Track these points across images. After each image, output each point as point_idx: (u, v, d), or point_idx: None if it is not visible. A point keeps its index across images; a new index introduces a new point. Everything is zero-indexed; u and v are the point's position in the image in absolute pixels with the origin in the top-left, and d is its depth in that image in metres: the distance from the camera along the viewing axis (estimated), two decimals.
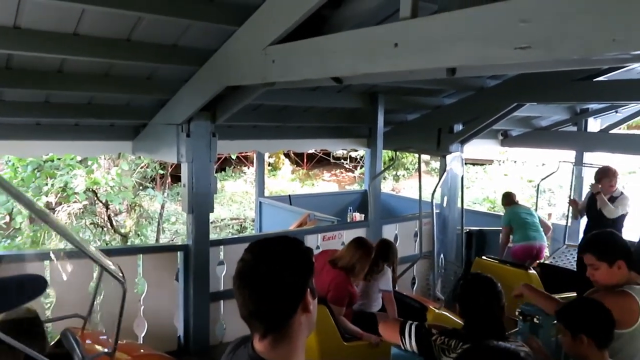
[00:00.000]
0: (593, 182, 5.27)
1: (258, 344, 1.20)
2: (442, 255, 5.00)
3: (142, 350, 3.52)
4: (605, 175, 5.14)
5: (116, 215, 9.72)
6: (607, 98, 5.42)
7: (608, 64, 3.78)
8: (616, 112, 7.26)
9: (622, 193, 5.15)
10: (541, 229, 5.78)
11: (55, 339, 2.99)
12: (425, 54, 1.96)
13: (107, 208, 8.86)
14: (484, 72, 4.30)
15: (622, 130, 8.38)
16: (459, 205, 5.30)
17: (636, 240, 4.41)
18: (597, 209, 5.11)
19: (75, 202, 8.44)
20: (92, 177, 7.84)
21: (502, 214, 6.15)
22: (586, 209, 5.41)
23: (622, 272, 2.29)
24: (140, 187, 10.24)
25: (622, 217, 5.09)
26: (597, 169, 5.37)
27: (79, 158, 7.86)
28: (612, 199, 5.10)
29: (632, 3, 1.38)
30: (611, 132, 7.36)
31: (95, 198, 8.50)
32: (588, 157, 7.11)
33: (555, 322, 2.57)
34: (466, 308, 2.17)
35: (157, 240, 6.84)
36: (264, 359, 1.18)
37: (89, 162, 8.09)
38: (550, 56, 1.56)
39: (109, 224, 9.14)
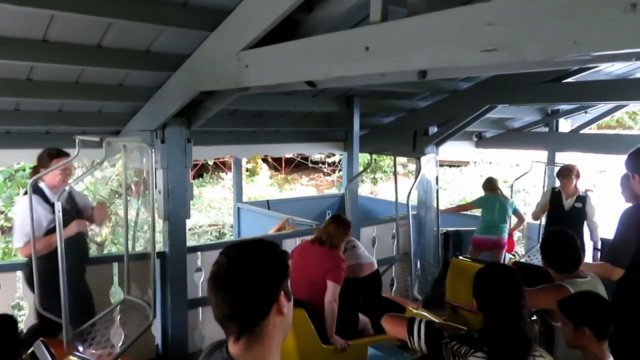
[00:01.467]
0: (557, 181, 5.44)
1: (232, 347, 1.21)
2: (419, 257, 5.05)
3: None
4: (568, 174, 5.24)
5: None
6: (575, 99, 5.57)
7: (571, 65, 3.89)
8: (586, 112, 7.47)
9: (586, 195, 5.30)
10: (504, 225, 5.93)
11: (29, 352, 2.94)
12: (395, 57, 1.99)
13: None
14: (454, 75, 4.37)
15: (592, 130, 8.61)
16: (435, 206, 5.36)
17: (611, 237, 4.53)
18: (557, 204, 5.28)
19: None
20: None
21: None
22: (550, 202, 5.46)
23: (552, 271, 2.52)
24: (116, 195, 10.07)
25: (582, 211, 5.19)
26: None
27: None
28: (579, 199, 5.22)
29: (591, 6, 1.43)
30: (581, 132, 7.56)
31: None
32: (560, 157, 7.27)
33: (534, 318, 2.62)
34: (487, 305, 1.95)
35: (132, 248, 6.70)
36: None
37: None
38: (514, 58, 1.60)
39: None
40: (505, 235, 5.96)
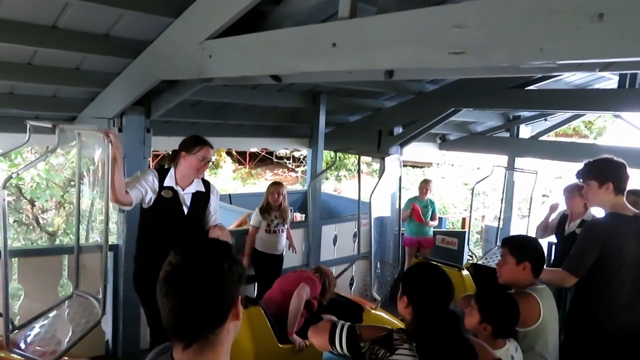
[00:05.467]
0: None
1: (180, 354, 1.12)
2: (379, 256, 5.05)
3: (65, 358, 3.33)
4: (578, 193, 4.09)
5: (44, 212, 9.18)
6: (537, 106, 5.69)
7: (537, 73, 3.93)
8: (545, 119, 7.66)
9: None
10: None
11: None
12: (362, 55, 1.95)
13: (33, 205, 8.33)
14: (421, 76, 4.36)
15: (550, 137, 8.85)
16: (397, 206, 5.38)
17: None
18: (560, 228, 4.45)
19: None
20: None
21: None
22: (556, 228, 4.58)
23: (526, 273, 2.40)
24: (71, 183, 9.73)
25: None
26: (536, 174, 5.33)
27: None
28: (582, 225, 4.00)
29: (559, 15, 1.42)
30: (540, 138, 7.74)
31: (20, 194, 7.98)
32: (519, 162, 7.44)
33: None
34: (417, 299, 1.87)
35: (86, 239, 6.44)
36: None
37: (12, 156, 7.59)
38: (481, 62, 1.58)
39: (35, 222, 8.61)
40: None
